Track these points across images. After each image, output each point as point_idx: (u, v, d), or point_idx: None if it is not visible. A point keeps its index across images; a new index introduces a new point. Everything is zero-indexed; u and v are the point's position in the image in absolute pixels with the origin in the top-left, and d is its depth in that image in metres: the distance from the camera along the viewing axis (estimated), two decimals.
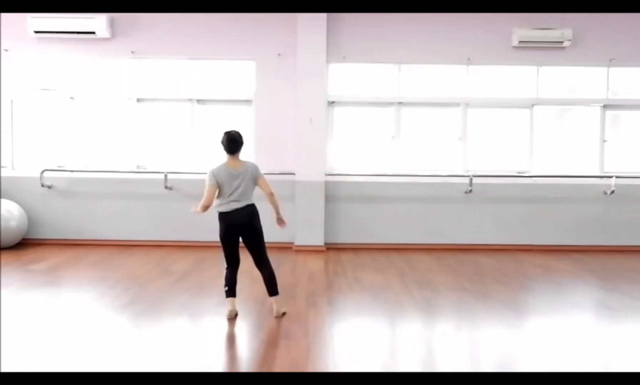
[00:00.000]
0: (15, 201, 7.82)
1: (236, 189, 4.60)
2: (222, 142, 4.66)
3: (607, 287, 6.04)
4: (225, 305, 4.73)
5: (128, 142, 8.19)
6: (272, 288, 4.78)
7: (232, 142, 4.63)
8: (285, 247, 7.90)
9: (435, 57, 8.12)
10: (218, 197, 4.64)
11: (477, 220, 8.11)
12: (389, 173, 8.09)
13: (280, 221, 4.91)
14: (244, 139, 4.75)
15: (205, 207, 4.58)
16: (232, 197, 4.60)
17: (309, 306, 5.08)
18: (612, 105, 8.29)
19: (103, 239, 8.00)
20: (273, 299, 4.80)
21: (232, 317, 4.69)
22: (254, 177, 4.69)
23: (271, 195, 4.75)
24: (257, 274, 6.26)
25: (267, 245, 7.80)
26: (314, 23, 7.79)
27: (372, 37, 8.01)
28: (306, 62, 7.82)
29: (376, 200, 8.03)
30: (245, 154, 8.32)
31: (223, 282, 4.76)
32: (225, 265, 4.77)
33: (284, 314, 4.81)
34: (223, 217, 4.63)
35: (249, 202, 4.67)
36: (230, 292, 4.73)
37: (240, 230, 4.68)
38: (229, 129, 4.70)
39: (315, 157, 7.85)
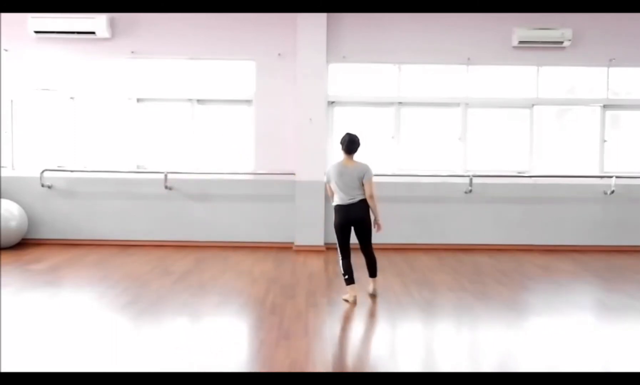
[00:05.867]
0: (15, 201, 7.82)
1: (345, 185, 5.07)
2: (342, 142, 5.16)
3: (607, 287, 6.04)
4: (226, 305, 4.73)
5: (128, 142, 8.19)
6: (374, 270, 5.35)
7: (351, 143, 5.13)
8: (285, 247, 7.91)
9: (435, 57, 8.12)
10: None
11: (477, 220, 8.10)
12: (389, 173, 8.09)
13: (376, 224, 5.25)
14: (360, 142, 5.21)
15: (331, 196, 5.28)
16: (342, 193, 5.09)
17: (309, 306, 5.08)
18: (612, 105, 8.29)
19: (103, 239, 8.00)
20: (371, 279, 5.35)
21: (354, 302, 5.11)
22: (359, 177, 5.10)
23: (370, 198, 5.14)
24: (257, 274, 6.32)
25: (266, 245, 7.92)
26: (314, 23, 7.79)
27: (372, 37, 8.01)
28: (306, 62, 7.82)
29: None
30: (244, 153, 8.39)
31: (341, 271, 5.22)
32: (340, 256, 5.21)
33: (374, 296, 5.32)
34: (337, 209, 5.16)
35: (361, 197, 5.10)
36: (350, 280, 5.15)
37: (353, 223, 5.13)
38: (350, 132, 5.20)
39: (315, 157, 7.85)
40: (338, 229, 5.16)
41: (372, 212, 5.19)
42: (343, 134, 5.22)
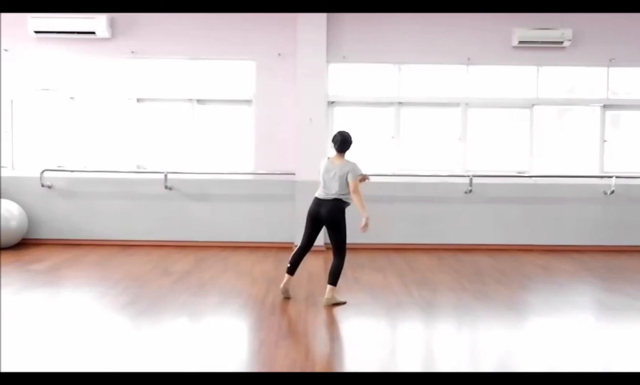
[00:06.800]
0: (15, 201, 7.81)
1: (328, 181, 5.05)
2: (334, 141, 5.12)
3: (607, 287, 6.04)
4: (226, 305, 4.73)
5: (128, 142, 8.19)
6: (331, 277, 5.10)
7: (343, 143, 5.09)
8: (285, 247, 7.90)
9: (435, 57, 8.11)
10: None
11: (477, 220, 8.10)
12: (389, 173, 8.09)
13: (362, 224, 5.02)
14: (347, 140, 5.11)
15: None
16: (323, 187, 5.10)
17: (309, 306, 5.08)
18: (612, 105, 8.29)
19: (103, 239, 7.99)
20: (328, 286, 5.10)
21: (283, 292, 5.20)
22: (343, 174, 5.01)
23: (353, 193, 5.01)
24: (257, 274, 6.32)
25: (266, 245, 7.91)
26: (314, 23, 7.79)
27: (372, 37, 8.01)
28: (306, 62, 7.82)
29: (376, 200, 7.99)
30: (244, 153, 8.37)
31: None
32: (299, 244, 5.29)
33: (334, 304, 5.07)
34: (313, 201, 5.19)
35: (337, 197, 5.03)
36: (289, 269, 5.24)
37: (322, 220, 5.10)
38: (342, 130, 5.18)
39: (315, 157, 7.79)
40: (307, 218, 5.22)
41: (356, 208, 4.98)
42: (335, 132, 5.18)
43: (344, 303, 5.13)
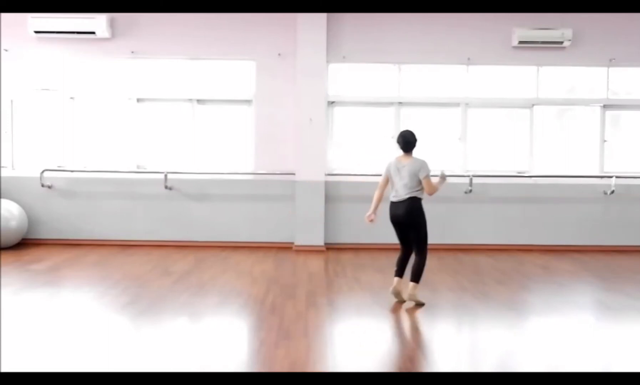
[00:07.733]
0: (15, 201, 7.81)
1: (398, 181, 5.06)
2: (397, 141, 5.15)
3: (607, 287, 6.04)
4: (226, 305, 4.72)
5: (128, 142, 8.19)
6: (413, 275, 5.08)
7: (406, 144, 5.08)
8: (285, 247, 7.90)
9: (435, 57, 8.12)
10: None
11: (477, 220, 8.10)
12: None
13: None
14: (414, 138, 5.10)
15: (377, 196, 5.27)
16: (394, 189, 5.11)
17: (309, 306, 5.07)
18: (612, 105, 8.29)
19: (103, 239, 7.99)
20: (411, 283, 5.08)
21: (394, 294, 5.13)
22: (414, 173, 4.99)
23: (428, 194, 5.09)
24: (257, 274, 6.31)
25: (266, 245, 7.90)
26: (314, 23, 7.79)
27: (372, 37, 8.01)
28: (306, 62, 7.82)
29: None
30: (244, 153, 8.38)
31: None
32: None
33: (417, 304, 5.07)
34: (390, 206, 5.14)
35: (410, 195, 5.01)
36: (397, 272, 5.18)
37: (401, 222, 5.10)
38: (403, 130, 5.19)
39: (315, 157, 7.85)
40: (392, 224, 5.19)
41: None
42: (398, 133, 5.18)
43: (422, 304, 5.09)
